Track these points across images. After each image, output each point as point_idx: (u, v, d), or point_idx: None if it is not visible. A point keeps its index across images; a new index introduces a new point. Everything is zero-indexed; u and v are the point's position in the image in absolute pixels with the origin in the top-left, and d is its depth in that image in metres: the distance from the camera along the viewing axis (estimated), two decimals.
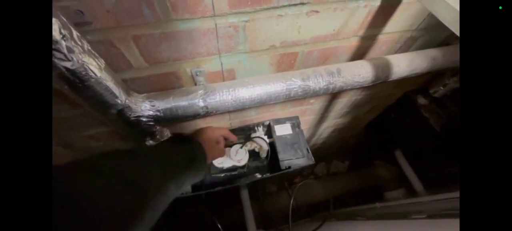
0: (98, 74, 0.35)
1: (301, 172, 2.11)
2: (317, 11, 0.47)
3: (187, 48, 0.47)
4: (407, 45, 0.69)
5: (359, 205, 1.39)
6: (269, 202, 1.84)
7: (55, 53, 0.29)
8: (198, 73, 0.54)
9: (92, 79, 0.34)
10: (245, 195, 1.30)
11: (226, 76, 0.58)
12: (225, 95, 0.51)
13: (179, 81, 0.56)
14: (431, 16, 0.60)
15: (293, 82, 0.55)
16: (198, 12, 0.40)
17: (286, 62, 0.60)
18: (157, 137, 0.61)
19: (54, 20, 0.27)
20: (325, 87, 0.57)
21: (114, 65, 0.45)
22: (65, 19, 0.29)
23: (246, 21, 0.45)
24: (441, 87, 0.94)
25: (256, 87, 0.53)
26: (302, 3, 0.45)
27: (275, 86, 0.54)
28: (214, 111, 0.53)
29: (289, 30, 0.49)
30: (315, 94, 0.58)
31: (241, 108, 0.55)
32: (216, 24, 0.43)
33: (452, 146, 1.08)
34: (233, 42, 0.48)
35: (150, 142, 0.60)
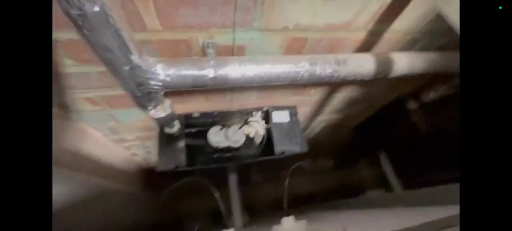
0: (118, 24, 0.34)
1: (288, 166, 2.16)
2: None
3: (204, 16, 0.47)
4: (408, 46, 0.73)
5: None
6: (254, 192, 1.88)
7: None
8: (209, 45, 0.54)
9: (112, 28, 0.34)
10: (233, 179, 1.32)
11: (236, 52, 0.59)
12: (236, 69, 0.52)
13: (189, 51, 0.56)
14: (434, 21, 0.63)
15: (302, 65, 0.56)
16: None
17: (296, 47, 0.61)
18: (158, 106, 0.61)
19: None
20: (330, 75, 0.59)
21: (128, 22, 0.44)
22: None
23: None
24: (431, 93, 0.99)
25: (266, 65, 0.54)
26: None
27: (284, 67, 0.56)
28: (223, 85, 0.54)
29: (305, 12, 0.51)
30: (320, 81, 0.60)
31: (249, 85, 0.56)
32: None
33: (435, 151, 1.15)
34: (249, 16, 0.49)
35: (152, 111, 0.60)
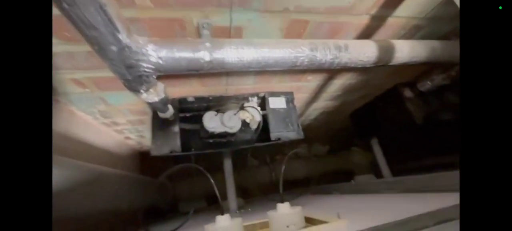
0: None
1: (284, 150, 2.18)
2: None
3: None
4: (411, 33, 0.70)
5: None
6: (249, 176, 1.90)
7: None
8: (205, 25, 0.51)
9: (96, 3, 0.30)
10: (228, 164, 1.33)
11: (233, 34, 0.56)
12: (233, 52, 0.49)
13: (183, 31, 0.52)
14: (440, 6, 0.61)
15: (302, 50, 0.54)
16: None
17: (296, 30, 0.58)
18: (151, 90, 0.58)
19: None
20: (330, 61, 0.57)
21: None
22: None
23: None
24: (428, 82, 0.99)
25: (264, 49, 0.51)
26: None
27: (283, 51, 0.53)
28: (219, 69, 0.51)
29: None
30: (320, 67, 0.58)
31: (246, 70, 0.53)
32: None
33: (427, 139, 1.17)
34: None
35: (144, 95, 0.57)
